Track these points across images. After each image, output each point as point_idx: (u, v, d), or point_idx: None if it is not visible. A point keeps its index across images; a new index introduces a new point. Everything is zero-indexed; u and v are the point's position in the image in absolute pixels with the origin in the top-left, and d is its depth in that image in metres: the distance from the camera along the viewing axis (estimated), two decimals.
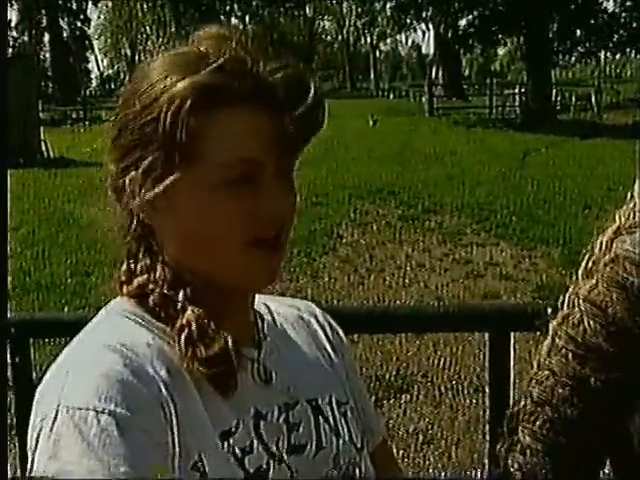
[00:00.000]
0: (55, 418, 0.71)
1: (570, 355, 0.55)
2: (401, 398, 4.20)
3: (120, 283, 0.85)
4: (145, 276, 0.82)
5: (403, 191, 10.76)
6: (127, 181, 0.80)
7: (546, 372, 0.58)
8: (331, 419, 0.89)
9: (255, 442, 0.80)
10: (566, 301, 0.57)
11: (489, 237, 8.25)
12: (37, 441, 0.72)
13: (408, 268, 7.08)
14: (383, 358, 4.71)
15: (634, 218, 0.55)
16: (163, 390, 0.74)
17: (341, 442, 0.89)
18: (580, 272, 0.57)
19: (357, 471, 0.90)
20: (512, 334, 1.43)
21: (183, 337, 0.78)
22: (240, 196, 0.78)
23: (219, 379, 0.78)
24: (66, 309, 5.72)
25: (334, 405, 0.91)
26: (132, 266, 0.84)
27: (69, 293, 6.34)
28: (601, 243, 0.57)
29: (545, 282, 6.51)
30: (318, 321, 0.99)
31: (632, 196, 0.56)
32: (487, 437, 1.50)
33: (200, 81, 0.76)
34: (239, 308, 0.86)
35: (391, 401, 4.16)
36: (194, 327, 0.78)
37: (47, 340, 3.69)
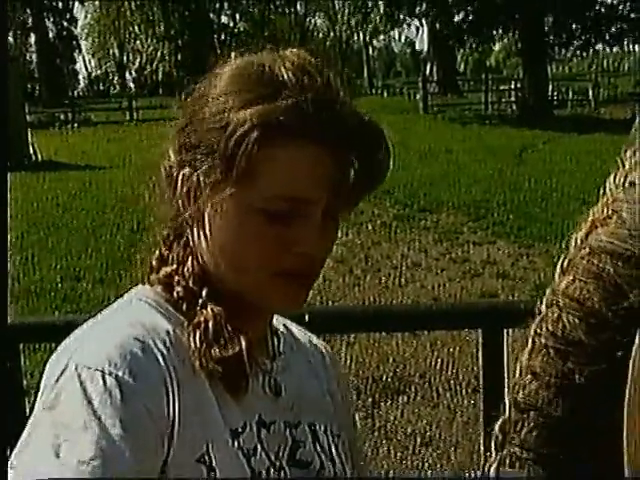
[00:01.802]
0: (62, 372, 0.73)
1: (552, 352, 0.54)
2: (398, 399, 4.18)
3: (150, 268, 0.87)
4: (174, 266, 0.85)
5: (398, 190, 10.71)
6: (181, 174, 0.82)
7: (529, 376, 0.55)
8: (326, 446, 0.92)
9: (259, 447, 0.82)
10: (545, 301, 0.56)
11: (486, 235, 8.21)
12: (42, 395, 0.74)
13: (404, 268, 7.04)
14: (380, 359, 4.68)
15: (607, 211, 0.54)
16: (173, 378, 0.76)
17: (337, 469, 0.91)
18: (557, 270, 0.56)
19: None
20: (505, 331, 1.43)
21: (199, 334, 0.79)
22: (281, 227, 0.79)
23: (231, 380, 0.80)
24: (56, 315, 5.65)
25: (329, 435, 0.93)
26: (165, 253, 0.86)
27: (59, 299, 6.28)
28: (576, 239, 0.56)
29: (543, 280, 6.46)
30: (331, 359, 1.02)
31: (604, 191, 0.56)
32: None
33: (272, 114, 0.76)
34: (258, 318, 0.88)
35: (388, 403, 4.14)
36: (211, 325, 0.80)
37: (38, 347, 3.66)
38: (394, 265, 7.14)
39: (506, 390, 1.41)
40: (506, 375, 1.43)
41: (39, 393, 0.76)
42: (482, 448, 1.57)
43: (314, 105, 0.77)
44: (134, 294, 0.86)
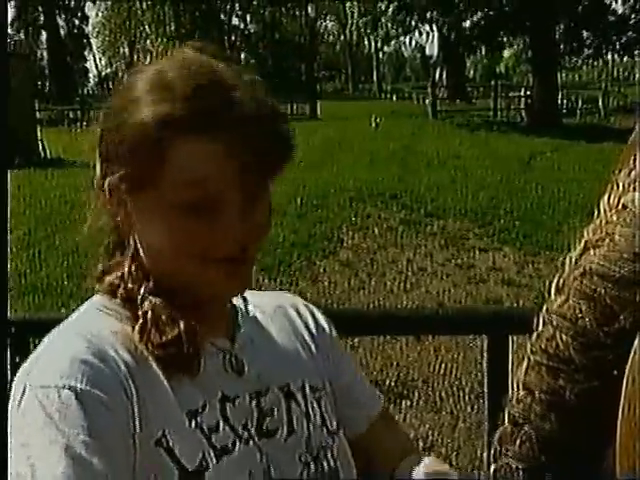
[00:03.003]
0: (22, 397, 0.77)
1: (544, 369, 0.56)
2: (401, 404, 4.17)
3: (96, 280, 0.91)
4: (115, 274, 0.89)
5: (405, 195, 10.70)
6: (106, 185, 0.86)
7: (524, 391, 0.58)
8: (302, 403, 0.94)
9: (221, 422, 0.86)
10: (540, 319, 0.58)
11: (492, 242, 8.19)
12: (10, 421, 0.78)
13: (410, 273, 7.03)
14: (383, 363, 4.68)
15: (601, 233, 0.56)
16: (124, 370, 0.80)
17: (312, 426, 0.93)
18: (552, 289, 0.58)
19: (329, 454, 0.94)
20: (511, 338, 1.42)
21: (139, 324, 0.85)
22: (199, 218, 0.82)
23: (177, 361, 0.84)
24: (63, 311, 5.65)
25: (307, 390, 0.96)
26: (107, 264, 0.91)
27: (66, 295, 6.29)
28: (570, 259, 0.58)
29: (548, 289, 6.42)
30: (298, 312, 1.05)
31: (599, 211, 0.58)
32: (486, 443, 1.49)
33: (164, 113, 0.80)
34: (207, 304, 0.91)
35: (391, 407, 4.12)
36: (149, 315, 0.85)
37: None
38: (399, 270, 7.13)
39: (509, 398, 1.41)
40: (510, 382, 1.43)
41: (8, 418, 0.79)
42: (485, 455, 1.57)
43: (201, 96, 0.80)
44: (86, 306, 0.91)
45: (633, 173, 0.56)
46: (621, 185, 0.57)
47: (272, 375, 0.93)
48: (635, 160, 0.57)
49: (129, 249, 0.88)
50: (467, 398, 4.16)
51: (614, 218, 0.55)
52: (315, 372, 0.99)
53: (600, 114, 24.43)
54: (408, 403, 4.19)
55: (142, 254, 0.87)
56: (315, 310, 1.07)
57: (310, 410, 0.95)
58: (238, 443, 0.86)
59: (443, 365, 4.64)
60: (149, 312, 0.85)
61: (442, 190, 11.14)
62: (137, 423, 0.78)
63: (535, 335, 0.58)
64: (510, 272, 7.02)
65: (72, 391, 0.75)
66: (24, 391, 0.77)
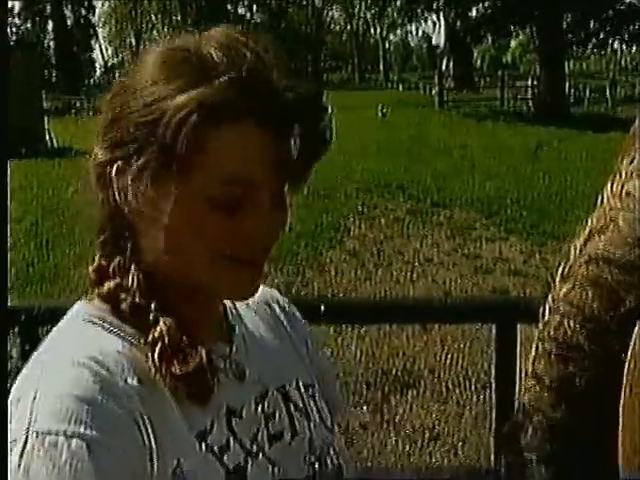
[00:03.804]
0: (25, 444, 0.68)
1: (553, 357, 0.56)
2: (408, 394, 4.18)
3: (90, 281, 0.82)
4: (117, 280, 0.80)
5: (412, 185, 10.70)
6: (114, 172, 0.77)
7: (533, 380, 0.58)
8: (300, 404, 0.90)
9: (231, 439, 0.80)
10: (547, 307, 0.58)
11: (499, 232, 8.19)
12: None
13: (416, 263, 7.03)
14: (390, 353, 4.68)
15: (605, 220, 0.56)
16: (136, 403, 0.73)
17: (312, 425, 0.90)
18: (557, 277, 0.58)
19: (331, 451, 0.91)
20: (519, 327, 1.43)
21: (157, 352, 0.76)
22: (228, 214, 0.75)
23: (196, 393, 0.77)
24: (71, 298, 5.67)
25: (302, 389, 0.92)
26: (104, 264, 0.81)
27: (73, 284, 6.30)
28: (575, 247, 0.58)
29: (553, 276, 6.41)
30: (280, 306, 0.99)
31: (602, 199, 0.58)
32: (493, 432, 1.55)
33: (208, 96, 0.72)
34: (212, 307, 0.86)
35: (398, 396, 4.14)
36: (167, 340, 0.76)
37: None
38: (406, 260, 7.14)
39: (517, 387, 1.41)
40: (518, 371, 1.43)
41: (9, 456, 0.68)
42: (492, 443, 1.57)
43: (249, 81, 0.73)
44: (75, 314, 0.81)
45: (636, 161, 0.56)
46: (624, 172, 0.57)
47: (269, 376, 0.88)
48: (638, 148, 0.57)
49: (131, 249, 0.80)
50: (473, 388, 4.16)
51: (617, 205, 0.55)
52: (305, 370, 0.95)
53: (607, 104, 24.29)
54: (414, 393, 4.20)
55: (150, 251, 0.79)
56: (292, 305, 1.01)
57: (308, 409, 0.91)
58: (249, 459, 0.80)
59: (449, 355, 4.64)
60: (165, 337, 0.76)
61: (449, 180, 11.12)
62: (154, 463, 0.72)
63: (542, 323, 0.58)
64: (517, 262, 7.02)
65: (82, 440, 0.67)
66: (26, 437, 0.68)
